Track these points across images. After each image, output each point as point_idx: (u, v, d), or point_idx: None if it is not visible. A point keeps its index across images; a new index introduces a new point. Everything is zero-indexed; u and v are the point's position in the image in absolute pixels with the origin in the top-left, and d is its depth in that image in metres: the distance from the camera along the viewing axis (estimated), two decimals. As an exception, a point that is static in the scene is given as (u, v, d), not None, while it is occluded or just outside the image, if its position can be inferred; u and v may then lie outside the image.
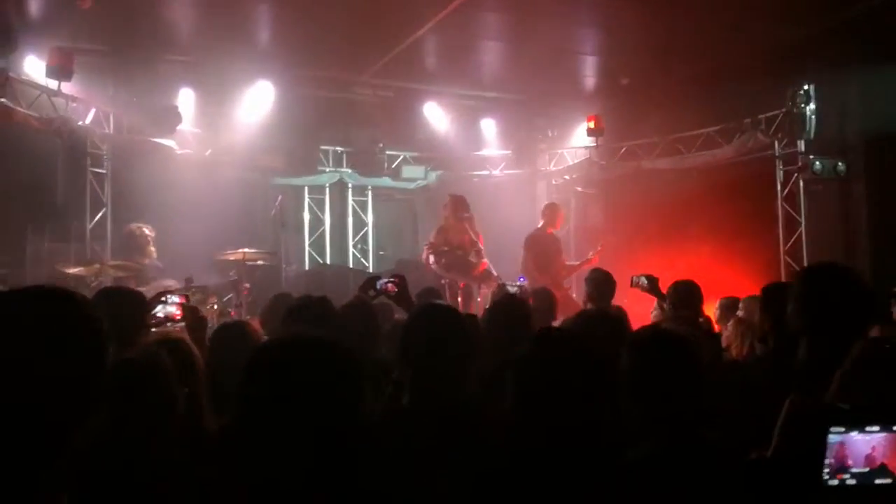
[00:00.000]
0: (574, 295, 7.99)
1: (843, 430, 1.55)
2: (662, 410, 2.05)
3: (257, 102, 9.05)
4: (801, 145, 8.04)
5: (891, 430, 1.55)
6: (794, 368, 2.55)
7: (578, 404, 2.00)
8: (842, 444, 1.55)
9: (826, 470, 1.55)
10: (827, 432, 1.54)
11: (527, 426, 2.00)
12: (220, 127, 8.96)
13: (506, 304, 3.64)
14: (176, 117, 8.07)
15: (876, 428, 1.55)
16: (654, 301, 5.34)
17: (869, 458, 1.55)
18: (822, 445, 1.54)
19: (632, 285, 5.33)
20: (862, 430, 1.55)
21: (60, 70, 7.12)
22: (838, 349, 2.27)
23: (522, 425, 2.01)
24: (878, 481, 1.55)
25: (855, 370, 1.75)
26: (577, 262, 8.45)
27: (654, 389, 2.06)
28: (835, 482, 1.55)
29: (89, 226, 7.99)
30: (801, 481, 1.58)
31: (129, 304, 3.61)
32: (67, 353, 1.26)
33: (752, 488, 1.69)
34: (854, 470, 1.55)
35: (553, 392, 2.01)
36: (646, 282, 5.24)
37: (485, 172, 10.88)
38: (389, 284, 4.12)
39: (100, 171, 8.20)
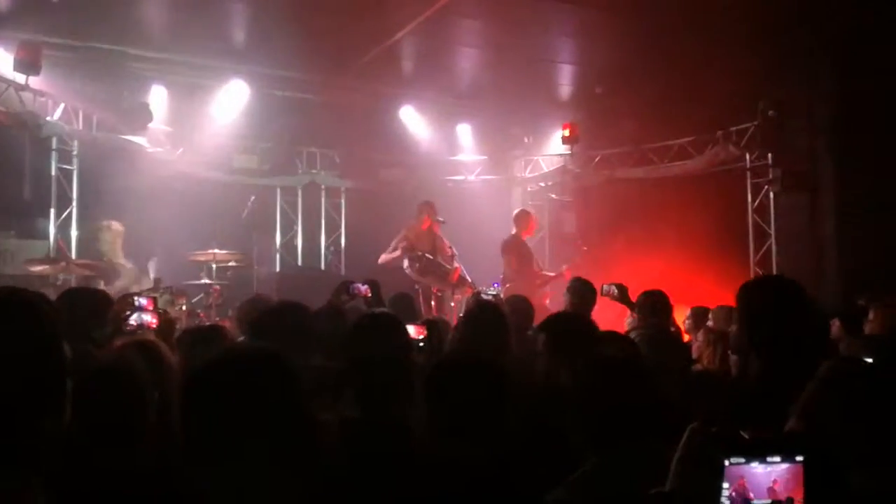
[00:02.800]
0: (547, 302, 8.01)
1: (742, 460, 1.46)
2: (601, 431, 2.10)
3: (231, 101, 8.93)
4: (771, 158, 8.16)
5: (793, 461, 1.47)
6: (746, 388, 2.56)
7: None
8: (742, 475, 1.47)
9: (727, 502, 1.46)
10: (723, 463, 1.47)
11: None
12: (193, 126, 8.84)
13: (478, 315, 3.60)
14: (147, 115, 7.95)
15: (777, 458, 1.47)
16: (625, 309, 5.38)
17: (771, 492, 1.47)
18: (718, 477, 1.47)
19: (602, 294, 5.38)
20: (763, 461, 1.47)
21: (28, 64, 6.95)
22: (789, 366, 2.27)
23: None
24: None
25: (818, 393, 1.74)
26: (552, 274, 8.48)
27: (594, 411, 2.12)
28: None
29: (56, 223, 7.84)
30: None
31: (94, 304, 3.55)
32: (21, 350, 1.23)
33: None
34: (757, 502, 1.47)
35: None
36: (616, 291, 5.29)
37: (460, 178, 10.88)
38: (363, 289, 4.09)
39: (68, 167, 8.05)
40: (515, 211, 9.05)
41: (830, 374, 1.72)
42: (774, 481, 1.48)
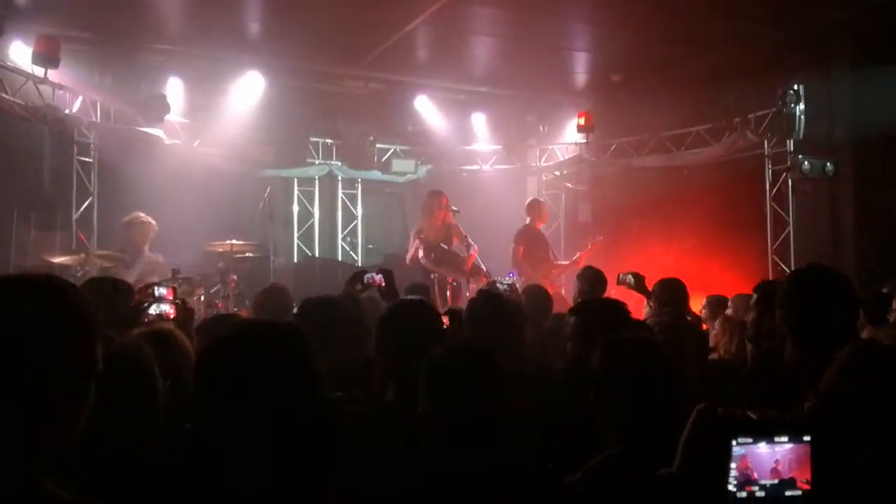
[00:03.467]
0: (563, 291, 8.00)
1: (750, 440, 1.50)
2: (626, 414, 2.09)
3: (247, 93, 8.96)
4: (791, 145, 8.07)
5: (800, 441, 1.51)
6: (780, 370, 2.56)
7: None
8: (745, 455, 1.51)
9: (733, 482, 1.51)
10: (730, 443, 1.50)
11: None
12: (209, 117, 8.89)
13: (482, 306, 3.58)
14: (164, 107, 8.00)
15: (784, 438, 1.51)
16: (643, 298, 5.36)
17: (774, 471, 1.51)
18: (726, 457, 1.51)
19: (618, 283, 5.35)
20: (770, 441, 1.51)
21: (47, 57, 7.02)
22: (825, 352, 2.28)
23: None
24: (788, 494, 1.51)
25: (839, 374, 1.74)
26: (567, 262, 8.47)
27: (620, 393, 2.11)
28: (743, 494, 1.51)
29: (75, 215, 7.93)
30: (708, 495, 1.54)
31: (114, 294, 3.59)
32: (60, 340, 1.23)
33: None
34: (763, 482, 1.51)
35: None
36: (632, 279, 5.25)
37: (475, 167, 10.86)
38: (377, 278, 4.10)
39: (87, 159, 8.13)
40: (527, 200, 9.04)
41: (850, 359, 1.73)
42: (777, 461, 1.50)
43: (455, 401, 1.95)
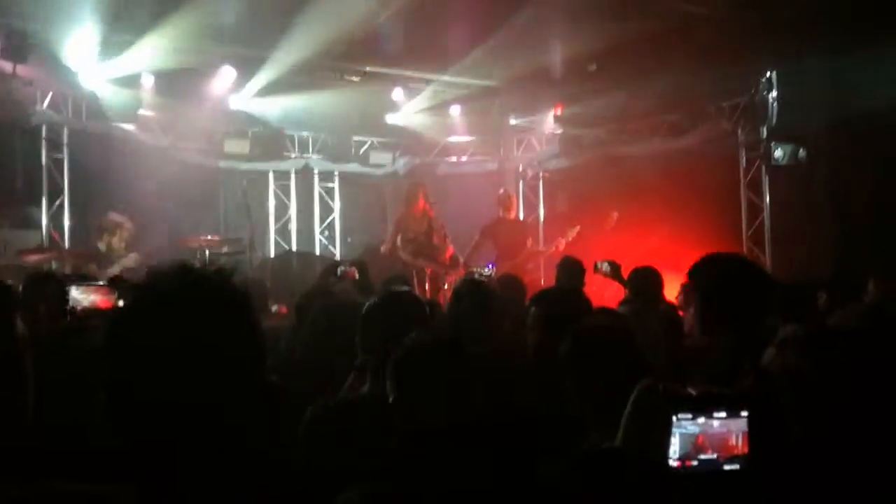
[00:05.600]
0: (542, 282, 8.03)
1: (689, 415, 1.53)
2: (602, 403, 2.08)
3: (220, 86, 8.86)
4: (764, 132, 8.14)
5: (738, 416, 1.55)
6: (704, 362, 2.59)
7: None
8: (701, 434, 1.54)
9: (674, 457, 1.54)
10: (671, 418, 1.53)
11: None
12: (182, 112, 8.79)
13: (467, 293, 3.58)
14: (135, 101, 7.92)
15: (723, 414, 1.54)
16: (621, 288, 5.39)
17: (726, 447, 1.55)
18: (666, 432, 1.53)
19: (595, 271, 5.40)
20: (709, 416, 1.54)
21: (15, 51, 6.90)
22: (743, 339, 2.29)
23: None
24: (726, 467, 1.55)
25: (781, 352, 1.77)
26: (545, 249, 8.49)
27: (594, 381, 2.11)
28: (682, 469, 1.54)
29: (48, 212, 7.82)
30: (649, 469, 1.57)
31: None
32: None
33: (597, 479, 1.66)
34: (702, 457, 1.55)
35: None
36: (608, 267, 5.31)
37: (452, 159, 10.85)
38: (351, 270, 4.09)
39: (58, 156, 8.01)
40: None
41: (793, 337, 1.77)
42: (727, 436, 1.54)
43: (424, 391, 1.94)
